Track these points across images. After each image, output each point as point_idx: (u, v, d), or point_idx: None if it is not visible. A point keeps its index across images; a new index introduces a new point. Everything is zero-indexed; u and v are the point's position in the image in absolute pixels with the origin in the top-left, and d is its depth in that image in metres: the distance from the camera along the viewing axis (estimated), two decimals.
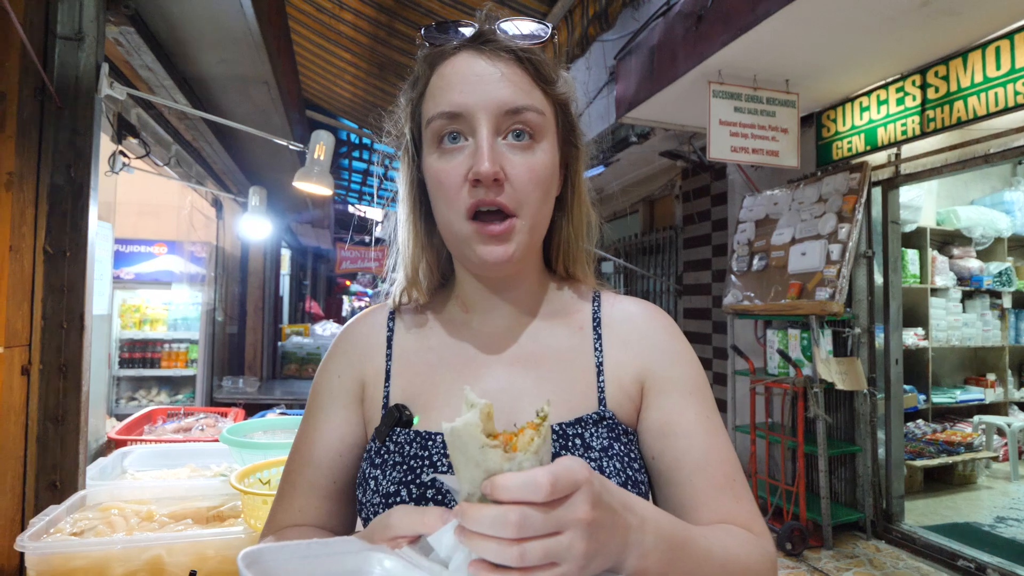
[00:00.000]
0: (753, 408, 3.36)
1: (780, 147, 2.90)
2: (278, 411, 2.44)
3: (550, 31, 0.59)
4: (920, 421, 4.08)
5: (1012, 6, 2.25)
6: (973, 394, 4.31)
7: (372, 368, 0.63)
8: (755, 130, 2.84)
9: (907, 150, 3.03)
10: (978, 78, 2.53)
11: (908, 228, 3.80)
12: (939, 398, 4.19)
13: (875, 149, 3.05)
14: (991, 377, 4.37)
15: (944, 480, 3.87)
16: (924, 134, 2.78)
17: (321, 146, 1.99)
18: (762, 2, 2.25)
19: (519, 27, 0.58)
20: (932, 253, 4.12)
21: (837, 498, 3.29)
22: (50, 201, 1.40)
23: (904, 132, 2.87)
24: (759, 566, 0.51)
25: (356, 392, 0.63)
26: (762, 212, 3.60)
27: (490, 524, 0.35)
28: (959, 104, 2.62)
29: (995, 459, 4.06)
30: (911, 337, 3.93)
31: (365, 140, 6.47)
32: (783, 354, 3.20)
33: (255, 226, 3.20)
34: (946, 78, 2.67)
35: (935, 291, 4.13)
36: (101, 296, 2.06)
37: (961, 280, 4.26)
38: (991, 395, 4.30)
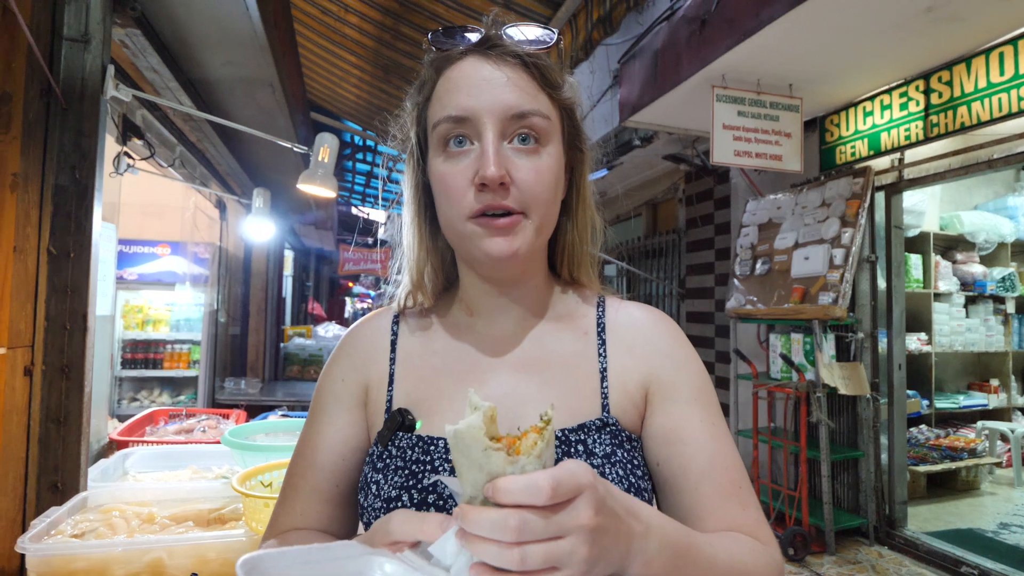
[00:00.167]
0: (756, 412, 3.35)
1: (783, 151, 2.90)
2: (280, 413, 2.44)
3: (555, 36, 0.60)
4: (923, 426, 4.06)
5: (1016, 12, 2.25)
6: (976, 399, 4.29)
7: (376, 372, 0.63)
8: (758, 134, 2.84)
9: (910, 155, 3.03)
10: (982, 83, 2.53)
11: (911, 233, 3.79)
12: (942, 403, 4.18)
13: (878, 154, 3.04)
14: (994, 382, 4.35)
15: (947, 486, 3.85)
16: (927, 139, 2.78)
17: (325, 149, 2.00)
18: (766, 7, 2.25)
19: (525, 33, 0.58)
20: (935, 258, 4.11)
21: (840, 503, 3.28)
22: (55, 202, 1.41)
23: (908, 137, 2.87)
24: (766, 574, 0.51)
25: (360, 395, 0.63)
26: (765, 216, 3.60)
27: (490, 527, 0.35)
28: (963, 109, 2.61)
29: (998, 465, 4.04)
30: (914, 342, 3.92)
31: (369, 142, 6.48)
32: (786, 358, 3.19)
33: (259, 228, 3.20)
34: (950, 83, 2.67)
35: (938, 296, 4.12)
36: (104, 297, 2.06)
37: (964, 285, 4.24)
38: (994, 400, 4.28)
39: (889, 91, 2.95)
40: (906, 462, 3.29)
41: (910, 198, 3.53)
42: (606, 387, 0.59)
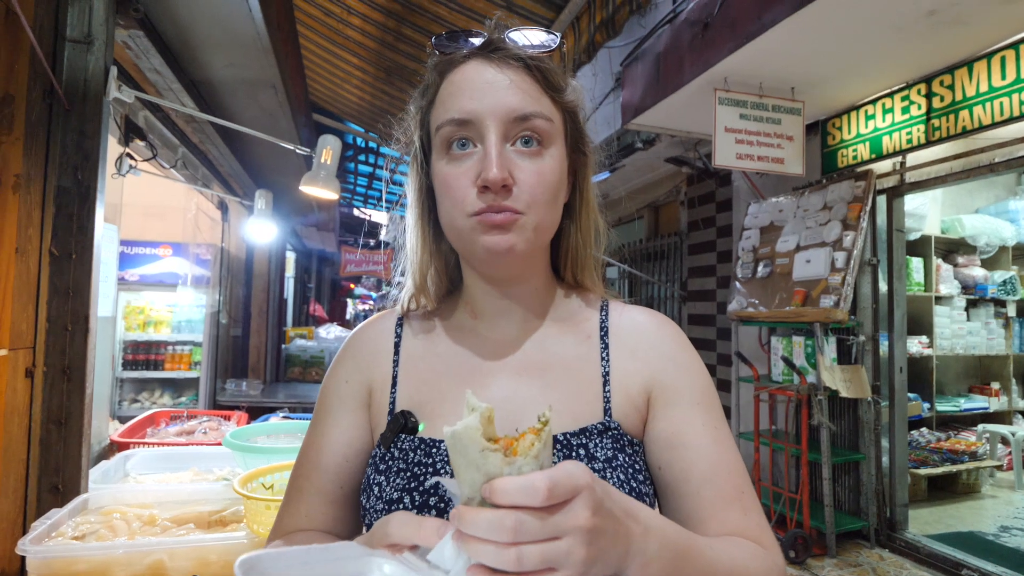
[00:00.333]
0: (757, 415, 3.35)
1: (785, 154, 2.90)
2: (281, 415, 2.44)
3: (558, 40, 0.60)
4: (924, 429, 4.06)
5: (1018, 16, 2.25)
6: (977, 403, 4.28)
7: (379, 374, 0.63)
8: (760, 137, 2.84)
9: (912, 158, 3.03)
10: (983, 87, 2.53)
11: (913, 236, 3.79)
12: (943, 406, 4.17)
13: (880, 157, 3.04)
14: (995, 386, 4.35)
15: (948, 489, 3.84)
16: (929, 143, 2.78)
17: (328, 151, 2.00)
18: (768, 10, 2.25)
19: (528, 37, 0.59)
20: (937, 261, 4.11)
21: (841, 506, 3.27)
22: (57, 203, 1.41)
23: (909, 141, 2.87)
24: None
25: (363, 397, 0.63)
26: (767, 219, 3.60)
27: (486, 527, 0.35)
28: (964, 113, 2.61)
29: (999, 468, 4.04)
30: (915, 345, 3.91)
31: (371, 144, 6.49)
32: (787, 361, 3.18)
33: (261, 229, 3.21)
34: (951, 87, 2.67)
35: (939, 299, 4.12)
36: (106, 298, 2.06)
37: (965, 288, 4.24)
38: (995, 404, 4.28)
39: (891, 94, 2.95)
40: (907, 465, 3.29)
41: (911, 201, 3.53)
42: (608, 391, 0.59)
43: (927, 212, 3.88)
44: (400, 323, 0.66)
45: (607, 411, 0.58)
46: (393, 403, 0.61)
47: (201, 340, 3.74)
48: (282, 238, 5.33)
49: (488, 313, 0.62)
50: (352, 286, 13.75)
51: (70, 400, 1.38)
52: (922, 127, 2.80)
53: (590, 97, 3.89)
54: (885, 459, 3.17)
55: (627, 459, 0.56)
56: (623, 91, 3.36)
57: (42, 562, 1.02)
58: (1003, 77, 2.45)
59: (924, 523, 3.32)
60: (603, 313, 0.64)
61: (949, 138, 2.69)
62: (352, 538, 0.60)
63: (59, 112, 1.42)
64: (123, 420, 2.59)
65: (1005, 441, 4.04)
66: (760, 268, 3.51)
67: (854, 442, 3.25)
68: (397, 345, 0.64)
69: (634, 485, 0.54)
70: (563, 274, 0.66)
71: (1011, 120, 2.43)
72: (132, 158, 2.12)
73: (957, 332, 4.15)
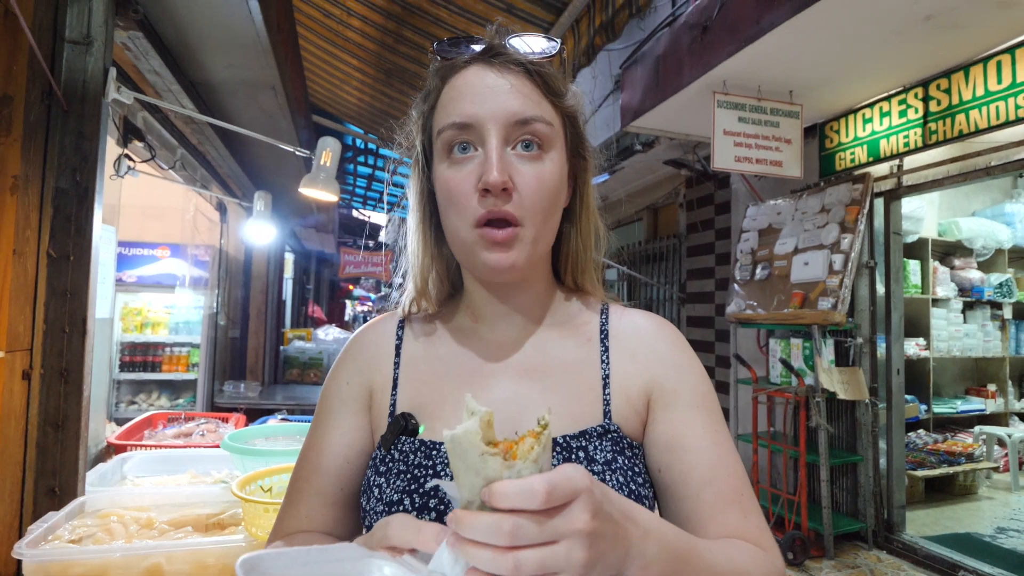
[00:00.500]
0: (755, 417, 3.35)
1: (783, 157, 2.91)
2: (279, 417, 2.43)
3: (558, 46, 0.60)
4: (921, 431, 4.07)
5: (1014, 21, 2.26)
6: (974, 404, 4.30)
7: (380, 376, 0.63)
8: (759, 140, 2.85)
9: (909, 162, 3.04)
10: (979, 91, 2.55)
11: (910, 239, 3.80)
12: (940, 408, 4.18)
13: (877, 160, 3.06)
14: (992, 388, 4.36)
15: (945, 490, 3.85)
16: (926, 146, 2.79)
17: (328, 152, 2.00)
18: (767, 14, 2.26)
19: (529, 44, 0.59)
20: (933, 264, 4.12)
21: (839, 508, 3.28)
22: (55, 205, 1.40)
23: (906, 144, 2.88)
24: None
25: (364, 399, 0.63)
26: (765, 222, 3.61)
27: (484, 531, 0.35)
28: (961, 117, 2.63)
29: (996, 470, 4.05)
30: (912, 347, 3.93)
31: (370, 145, 6.49)
32: (785, 363, 3.19)
33: (260, 231, 3.20)
34: (948, 91, 2.68)
35: (936, 302, 4.13)
36: (103, 300, 2.06)
37: (962, 291, 4.26)
38: (992, 405, 4.30)
39: (888, 98, 2.97)
40: (904, 467, 3.30)
41: (909, 204, 3.55)
42: (608, 394, 0.59)
43: (924, 215, 3.90)
44: (401, 326, 0.66)
45: (607, 414, 0.58)
46: (394, 405, 0.61)
47: (199, 342, 3.73)
48: (281, 239, 5.32)
49: (489, 316, 0.63)
50: (351, 287, 13.74)
51: (67, 402, 1.38)
52: (919, 131, 2.81)
53: (589, 100, 3.90)
54: (883, 461, 3.18)
55: (627, 461, 0.56)
56: (622, 94, 3.37)
57: (38, 566, 1.01)
58: (999, 81, 2.47)
59: (921, 524, 3.33)
60: (603, 316, 0.64)
61: (946, 141, 2.71)
62: (351, 540, 0.61)
63: (58, 113, 1.41)
64: (120, 422, 2.58)
65: (1001, 443, 4.05)
66: (758, 270, 3.51)
67: (852, 444, 3.25)
68: (398, 347, 0.65)
69: (633, 488, 0.55)
70: (563, 278, 0.66)
71: (1007, 124, 2.44)
72: (131, 159, 2.11)
73: (954, 334, 4.17)
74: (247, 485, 1.21)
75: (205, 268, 3.93)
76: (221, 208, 4.01)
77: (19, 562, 1.01)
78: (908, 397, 3.59)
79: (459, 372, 0.61)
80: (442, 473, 0.55)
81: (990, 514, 3.57)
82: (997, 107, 2.48)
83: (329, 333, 5.42)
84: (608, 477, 0.54)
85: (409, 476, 0.55)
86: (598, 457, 0.55)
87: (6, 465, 1.31)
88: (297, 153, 2.06)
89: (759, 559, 0.51)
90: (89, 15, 1.46)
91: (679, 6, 3.06)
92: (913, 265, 4.01)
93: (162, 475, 1.66)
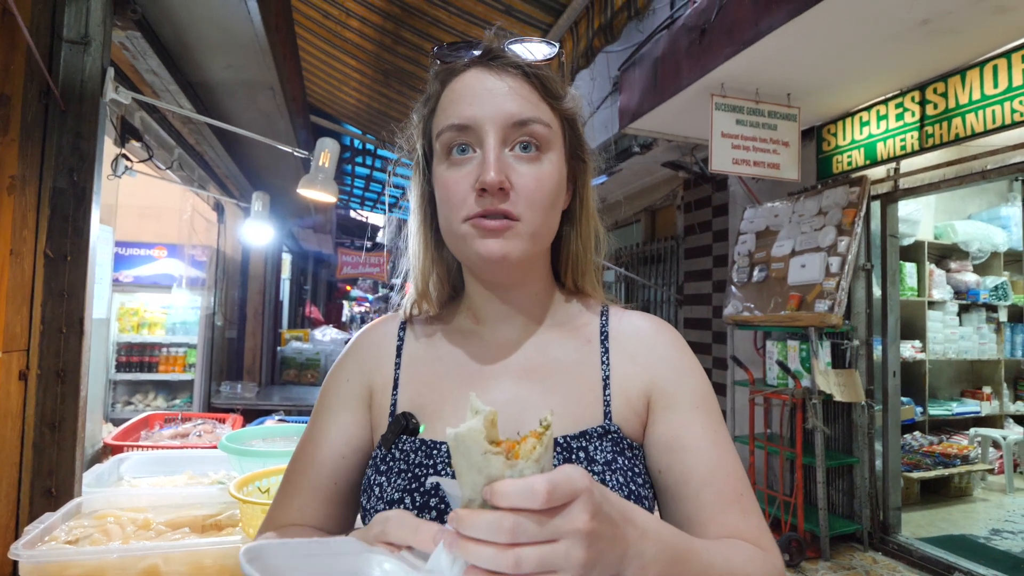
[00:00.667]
0: (752, 419, 3.36)
1: (781, 160, 2.92)
2: (276, 418, 2.43)
3: (556, 50, 0.61)
4: (917, 433, 4.09)
5: (1010, 25, 2.28)
6: (969, 407, 4.32)
7: (381, 375, 0.64)
8: (756, 143, 2.86)
9: (906, 165, 3.06)
10: (976, 95, 2.56)
11: (906, 242, 3.82)
12: (936, 410, 4.20)
13: (874, 163, 3.07)
14: (987, 390, 4.38)
15: (940, 492, 3.87)
16: (923, 149, 2.81)
17: (326, 154, 2.00)
18: (765, 17, 2.27)
19: (529, 49, 0.60)
20: (930, 267, 4.15)
21: (835, 509, 3.29)
22: (52, 205, 1.40)
23: (903, 147, 2.90)
24: None
25: (364, 397, 0.64)
26: (763, 224, 3.62)
27: (485, 529, 0.35)
28: (957, 121, 2.64)
29: (990, 471, 4.07)
30: (908, 350, 3.94)
31: (369, 146, 6.48)
32: (782, 365, 3.20)
33: (257, 231, 3.19)
34: (945, 95, 2.70)
35: (932, 304, 4.16)
36: (100, 300, 2.05)
37: (958, 293, 4.28)
38: (987, 408, 4.32)
39: (885, 102, 2.98)
40: (900, 468, 3.31)
41: (905, 207, 3.56)
42: (608, 395, 0.59)
43: (920, 218, 3.92)
44: (403, 327, 0.67)
45: (607, 415, 0.58)
46: (394, 405, 0.62)
47: (196, 342, 3.72)
48: (278, 240, 5.31)
49: (489, 318, 0.63)
50: (348, 288, 13.71)
51: (64, 403, 1.37)
52: (916, 134, 2.83)
53: (588, 101, 3.91)
54: (878, 463, 3.19)
55: (626, 462, 0.56)
56: (621, 96, 3.38)
57: (35, 567, 1.01)
58: (995, 85, 2.48)
59: (917, 526, 3.34)
60: (603, 318, 0.65)
61: (942, 145, 2.72)
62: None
63: (55, 113, 1.41)
64: (116, 423, 2.57)
65: (996, 445, 4.07)
66: (756, 272, 3.52)
67: (848, 446, 3.27)
68: (399, 348, 0.65)
69: (633, 488, 0.55)
70: (564, 280, 0.67)
71: (1003, 128, 2.46)
72: (128, 159, 2.11)
73: (949, 337, 4.19)
74: (245, 486, 1.21)
75: (202, 268, 3.92)
76: (218, 208, 4.00)
77: (15, 563, 1.01)
78: (904, 399, 3.61)
79: (460, 373, 0.62)
80: (443, 472, 0.55)
81: (985, 516, 3.59)
82: (993, 111, 2.49)
83: (326, 334, 5.41)
84: (608, 478, 0.54)
85: (410, 475, 0.55)
86: (598, 458, 0.55)
87: (2, 466, 1.31)
88: (295, 154, 2.06)
89: (758, 559, 0.51)
90: (87, 15, 1.46)
91: (677, 9, 3.07)
92: (909, 268, 4.03)
93: (159, 476, 1.65)
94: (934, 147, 2.76)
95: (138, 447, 2.01)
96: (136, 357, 3.62)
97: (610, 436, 0.57)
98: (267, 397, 4.02)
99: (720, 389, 4.20)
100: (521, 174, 0.55)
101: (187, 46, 2.16)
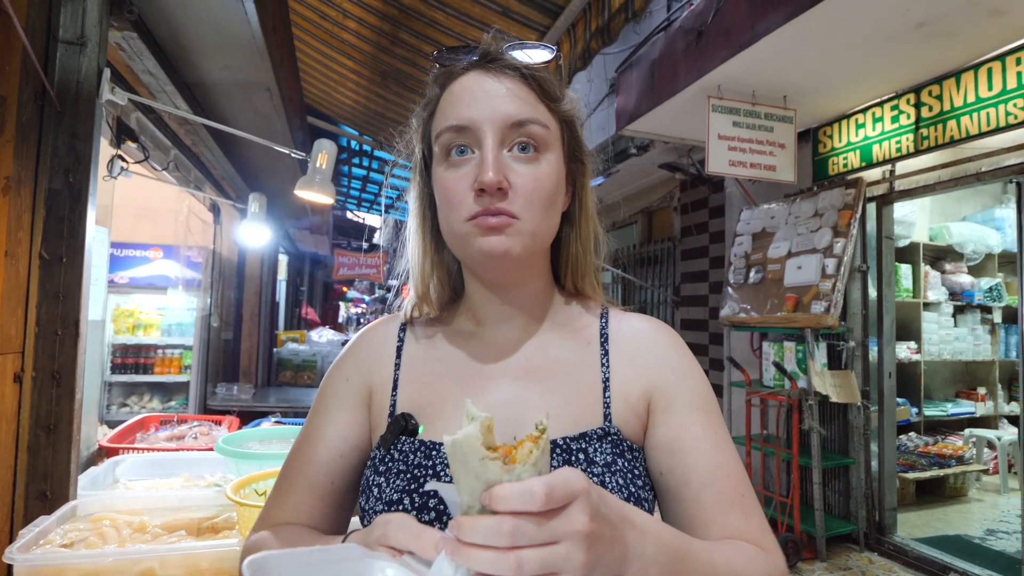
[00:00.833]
0: (748, 420, 3.37)
1: (777, 162, 2.93)
2: (273, 419, 2.42)
3: (554, 52, 0.62)
4: (912, 434, 4.11)
5: (1005, 28, 2.30)
6: (964, 407, 4.34)
7: (380, 376, 0.64)
8: (753, 145, 2.88)
9: (901, 167, 3.07)
10: (971, 98, 2.58)
11: (902, 243, 3.84)
12: (931, 411, 4.22)
13: (870, 165, 3.09)
14: (982, 391, 4.41)
15: (935, 493, 3.89)
16: (918, 152, 2.82)
17: (323, 155, 1.99)
18: (762, 20, 2.28)
19: (528, 54, 0.61)
20: (925, 268, 4.17)
21: (831, 510, 3.30)
22: (47, 206, 1.39)
23: (899, 149, 2.92)
24: None
25: (363, 396, 0.64)
26: (759, 225, 3.63)
27: (485, 534, 0.35)
28: (952, 123, 2.66)
29: (985, 472, 4.09)
30: (904, 351, 3.96)
31: (365, 147, 6.47)
32: (779, 366, 3.21)
33: (254, 233, 3.18)
34: (940, 97, 2.72)
35: (927, 305, 4.18)
36: (96, 301, 2.04)
37: (953, 295, 4.31)
38: (982, 408, 4.34)
39: (881, 104, 3.00)
40: (896, 469, 3.32)
41: (901, 209, 3.58)
42: (608, 397, 0.59)
43: (916, 219, 3.94)
44: (403, 328, 0.67)
45: (607, 416, 0.58)
46: (394, 405, 0.62)
47: (192, 344, 3.70)
48: (275, 241, 5.29)
49: (489, 319, 0.63)
50: (345, 289, 13.69)
51: (59, 405, 1.36)
52: (911, 136, 2.84)
53: (585, 103, 3.92)
54: (874, 463, 3.20)
55: (626, 464, 0.56)
56: (618, 97, 3.39)
57: (30, 570, 1.00)
58: (990, 88, 2.50)
59: (912, 526, 3.35)
60: (603, 320, 0.65)
61: (937, 147, 2.74)
62: (335, 535, 0.61)
63: (51, 114, 1.40)
64: (112, 425, 2.55)
65: (991, 445, 4.09)
66: (752, 274, 3.54)
67: (844, 447, 3.28)
68: (399, 349, 0.65)
69: (633, 490, 0.55)
70: (563, 281, 0.67)
71: (998, 130, 2.47)
72: (124, 160, 2.10)
73: (944, 338, 4.21)
74: (241, 489, 1.21)
75: (198, 269, 3.91)
76: (215, 209, 3.98)
77: (10, 567, 1.00)
78: (899, 400, 3.62)
79: (459, 374, 0.62)
80: (441, 473, 0.55)
81: (980, 516, 3.61)
82: (988, 113, 2.51)
83: (323, 335, 5.40)
84: (608, 479, 0.54)
85: (409, 476, 0.55)
86: (598, 459, 0.55)
87: None
88: (292, 155, 2.06)
89: (759, 560, 0.51)
90: (83, 15, 1.45)
91: (674, 11, 3.08)
92: (905, 269, 4.05)
93: (155, 478, 1.64)
94: (929, 149, 2.77)
95: (134, 449, 2.00)
96: (132, 359, 3.61)
97: (610, 438, 0.57)
98: (263, 399, 4.01)
99: (717, 390, 4.20)
100: (519, 174, 0.55)
101: (184, 47, 2.16)
